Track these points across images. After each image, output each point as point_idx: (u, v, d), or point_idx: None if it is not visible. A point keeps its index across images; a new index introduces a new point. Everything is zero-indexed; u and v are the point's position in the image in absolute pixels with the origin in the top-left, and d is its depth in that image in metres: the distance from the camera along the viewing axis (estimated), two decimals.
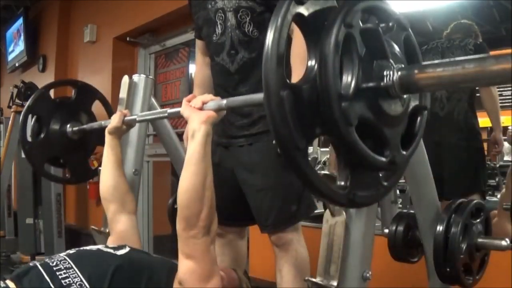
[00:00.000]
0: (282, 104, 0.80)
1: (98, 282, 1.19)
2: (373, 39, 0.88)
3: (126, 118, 1.73)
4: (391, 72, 0.88)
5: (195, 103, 1.29)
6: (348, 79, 0.85)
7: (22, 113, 2.39)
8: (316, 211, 1.87)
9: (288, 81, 0.83)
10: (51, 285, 1.17)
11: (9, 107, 4.65)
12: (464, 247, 1.46)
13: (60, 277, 1.19)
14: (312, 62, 0.87)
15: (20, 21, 5.81)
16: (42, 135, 2.36)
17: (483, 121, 2.92)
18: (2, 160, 4.42)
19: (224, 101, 1.26)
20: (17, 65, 6.18)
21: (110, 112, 2.61)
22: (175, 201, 2.56)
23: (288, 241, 1.76)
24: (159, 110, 1.70)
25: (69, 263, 1.23)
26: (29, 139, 2.37)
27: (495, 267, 1.64)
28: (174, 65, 4.30)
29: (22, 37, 5.84)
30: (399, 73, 0.88)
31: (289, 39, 1.69)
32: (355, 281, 1.25)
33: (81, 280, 1.18)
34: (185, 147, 2.02)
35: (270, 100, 0.80)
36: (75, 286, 1.17)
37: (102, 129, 1.79)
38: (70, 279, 1.18)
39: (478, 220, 1.54)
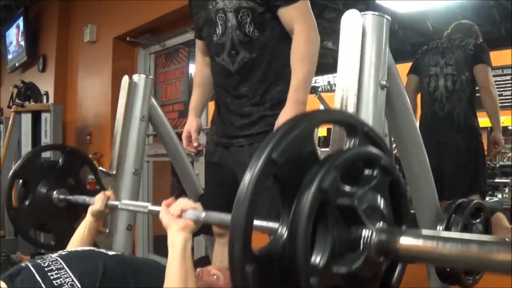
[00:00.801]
0: (246, 281, 0.74)
1: (90, 281, 1.20)
2: (349, 212, 0.80)
3: (109, 202, 1.70)
4: (369, 237, 0.80)
5: (174, 210, 1.28)
6: (320, 253, 0.77)
7: (9, 177, 2.35)
8: None
9: (255, 253, 0.76)
10: (43, 285, 1.17)
11: (9, 107, 4.65)
12: None
13: (51, 277, 1.19)
14: (283, 228, 0.78)
15: (20, 21, 5.80)
16: (28, 201, 2.32)
17: (483, 121, 2.92)
18: (2, 160, 4.42)
19: (203, 214, 1.26)
20: (17, 65, 6.18)
21: (96, 174, 2.57)
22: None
23: None
24: (140, 204, 1.68)
25: (60, 263, 1.24)
26: (15, 203, 2.35)
27: None
28: (174, 65, 4.30)
29: (22, 37, 5.84)
30: (378, 238, 0.79)
31: (289, 41, 1.71)
32: None
33: (73, 280, 1.19)
34: (184, 147, 2.03)
35: (235, 276, 0.74)
36: (66, 286, 1.18)
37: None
38: (61, 279, 1.19)
39: (478, 220, 1.53)
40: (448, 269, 1.46)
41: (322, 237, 0.78)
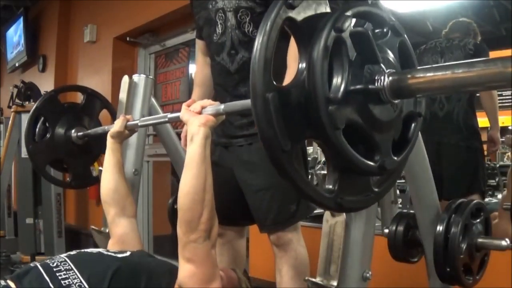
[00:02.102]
0: (267, 106, 0.80)
1: (98, 283, 1.19)
2: (363, 43, 0.87)
3: (128, 123, 1.74)
4: (382, 77, 0.87)
5: (194, 108, 1.30)
6: (337, 83, 0.84)
7: (30, 113, 2.40)
8: (316, 211, 1.87)
9: (275, 83, 0.82)
10: (51, 285, 1.17)
11: (9, 107, 4.65)
12: (464, 247, 1.46)
13: (59, 277, 1.19)
14: (302, 65, 0.85)
15: (20, 21, 5.80)
16: (47, 137, 2.37)
17: (483, 121, 2.92)
18: (2, 160, 4.42)
19: (222, 106, 1.27)
20: (17, 65, 6.18)
21: (114, 116, 2.63)
22: (175, 201, 2.57)
23: (287, 241, 1.76)
24: (160, 115, 1.72)
25: (69, 264, 1.24)
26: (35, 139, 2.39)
27: (495, 267, 1.63)
28: (174, 65, 4.30)
29: (22, 37, 5.84)
30: (390, 77, 0.86)
31: (288, 41, 1.71)
32: (355, 281, 1.25)
33: (81, 281, 1.19)
34: (182, 146, 2.03)
35: (255, 102, 0.80)
36: (74, 287, 1.17)
37: (106, 136, 1.81)
38: (69, 280, 1.19)
39: (478, 220, 1.53)
40: (448, 269, 1.46)
41: (338, 72, 0.85)
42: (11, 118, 4.49)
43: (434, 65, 0.88)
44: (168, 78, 4.35)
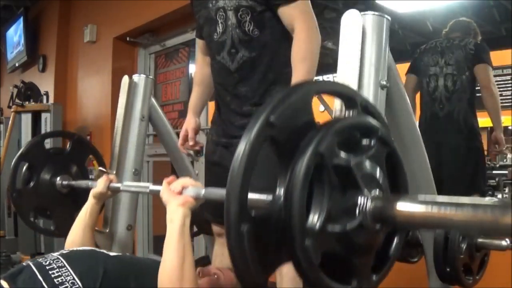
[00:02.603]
0: (241, 240, 0.74)
1: (90, 280, 1.20)
2: (345, 175, 0.80)
3: (111, 184, 1.72)
4: (365, 203, 0.80)
5: (175, 187, 1.30)
6: (316, 213, 0.77)
7: (14, 159, 2.35)
8: None
9: (250, 213, 0.76)
10: (44, 284, 1.18)
11: (9, 107, 4.65)
12: (464, 247, 1.46)
13: (52, 275, 1.19)
14: (280, 191, 0.78)
15: (20, 21, 5.80)
16: (31, 184, 2.32)
17: (483, 121, 2.92)
18: (2, 160, 4.42)
19: (203, 191, 1.26)
20: (17, 65, 6.18)
21: (102, 165, 2.55)
22: None
23: None
24: (142, 184, 1.72)
25: (62, 262, 1.24)
26: (19, 186, 2.33)
27: (495, 267, 1.64)
28: (174, 65, 4.30)
29: (22, 37, 5.84)
30: (374, 204, 0.79)
31: (290, 40, 1.71)
32: None
33: (74, 279, 1.19)
34: (179, 146, 2.03)
35: (229, 234, 0.75)
36: (67, 285, 1.18)
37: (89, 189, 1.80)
38: (62, 277, 1.19)
39: None
40: (448, 269, 1.46)
41: (318, 200, 0.78)
42: (11, 118, 4.49)
43: (423, 197, 0.79)
44: (168, 78, 4.35)
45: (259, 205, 0.80)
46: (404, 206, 0.77)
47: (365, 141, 0.85)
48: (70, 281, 1.18)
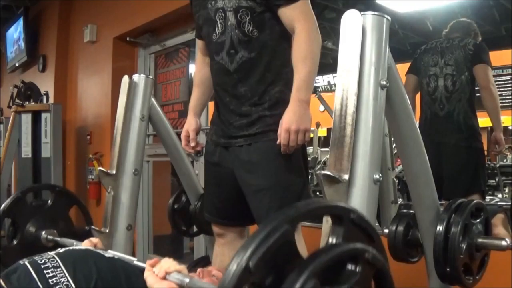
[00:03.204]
0: None
1: (84, 282, 1.20)
2: None
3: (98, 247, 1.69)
4: None
5: (158, 272, 1.27)
6: None
7: None
8: None
9: None
10: (39, 283, 1.18)
11: (9, 107, 4.65)
12: (464, 247, 1.46)
13: (47, 275, 1.19)
14: None
15: (20, 21, 5.80)
16: (16, 240, 2.33)
17: (483, 121, 2.92)
18: (2, 160, 4.42)
19: (187, 280, 1.24)
20: (17, 65, 6.18)
21: (88, 220, 2.62)
22: (175, 201, 2.57)
23: None
24: (126, 257, 1.66)
25: (57, 261, 1.24)
26: (4, 243, 2.34)
27: (495, 267, 1.64)
28: (174, 65, 4.30)
29: (22, 37, 5.84)
30: None
31: (289, 41, 1.71)
32: None
33: (68, 280, 1.19)
34: (182, 147, 2.03)
35: None
36: (61, 286, 1.18)
37: None
38: (57, 278, 1.19)
39: (478, 220, 1.53)
40: (448, 269, 1.46)
41: None
42: (11, 118, 4.49)
43: None
44: (168, 78, 4.35)
45: None
46: None
47: (350, 267, 0.81)
48: (64, 283, 1.19)
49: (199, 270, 1.44)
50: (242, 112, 1.79)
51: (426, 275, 1.62)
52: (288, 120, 1.64)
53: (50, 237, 2.30)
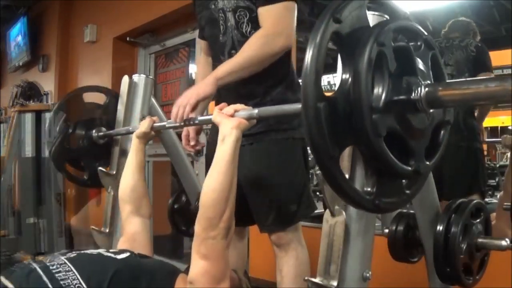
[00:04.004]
0: (318, 116, 0.86)
1: (97, 285, 1.19)
2: (405, 57, 0.96)
3: (155, 124, 1.75)
4: (419, 88, 0.96)
5: (227, 111, 1.34)
6: (379, 93, 0.92)
7: (53, 110, 2.42)
8: (316, 211, 1.88)
9: (324, 94, 0.87)
10: (50, 285, 1.17)
11: (11, 106, 4.65)
12: (464, 247, 1.46)
13: (59, 278, 1.19)
14: (346, 76, 0.92)
15: (22, 21, 5.81)
16: (68, 135, 2.36)
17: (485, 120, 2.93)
18: (4, 160, 4.42)
19: (256, 111, 1.31)
20: (18, 64, 6.19)
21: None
22: (175, 201, 2.57)
23: (288, 241, 1.76)
24: (190, 117, 1.72)
25: (68, 266, 1.23)
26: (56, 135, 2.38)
27: (495, 267, 1.64)
28: (174, 65, 4.31)
29: (23, 37, 5.85)
30: (427, 89, 0.95)
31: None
32: (355, 281, 1.25)
33: (80, 283, 1.19)
34: (183, 146, 2.03)
35: (307, 111, 0.86)
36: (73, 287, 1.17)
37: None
38: (68, 280, 1.19)
39: (478, 220, 1.53)
40: (448, 269, 1.46)
41: (380, 84, 0.93)
42: (12, 118, 4.49)
43: (463, 79, 1.00)
44: (168, 78, 4.35)
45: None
46: (450, 87, 0.98)
47: (413, 43, 1.02)
48: (77, 285, 1.18)
49: None
50: None
51: (426, 275, 1.62)
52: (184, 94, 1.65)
53: (101, 133, 2.32)
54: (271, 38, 1.66)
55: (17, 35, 6.04)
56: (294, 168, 1.76)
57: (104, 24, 4.81)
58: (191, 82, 3.87)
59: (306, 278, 1.32)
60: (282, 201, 1.74)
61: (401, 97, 0.94)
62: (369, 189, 1.01)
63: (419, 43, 1.03)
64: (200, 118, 1.56)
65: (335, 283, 1.24)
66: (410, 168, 1.00)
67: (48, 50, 5.61)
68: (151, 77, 2.27)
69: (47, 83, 5.31)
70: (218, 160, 1.27)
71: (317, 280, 1.27)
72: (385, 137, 0.92)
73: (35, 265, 1.24)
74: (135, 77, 2.21)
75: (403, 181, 1.07)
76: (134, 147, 1.74)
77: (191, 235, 2.81)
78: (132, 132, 1.80)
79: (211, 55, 1.94)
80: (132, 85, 2.17)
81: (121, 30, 4.50)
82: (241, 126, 1.31)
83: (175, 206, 2.56)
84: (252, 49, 1.66)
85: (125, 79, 2.18)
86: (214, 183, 1.25)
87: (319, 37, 0.88)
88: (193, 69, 4.11)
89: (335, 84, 1.39)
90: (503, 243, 1.48)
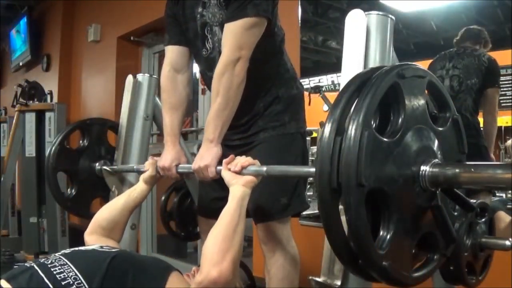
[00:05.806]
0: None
1: (93, 275, 1.20)
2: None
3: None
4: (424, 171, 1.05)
5: (234, 168, 1.40)
6: None
7: (50, 171, 2.27)
8: (315, 211, 1.86)
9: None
10: (46, 280, 1.18)
11: (13, 106, 4.66)
12: (468, 246, 1.46)
13: (54, 272, 1.20)
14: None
15: (24, 20, 5.83)
16: (75, 190, 2.29)
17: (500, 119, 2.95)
18: (6, 159, 4.43)
19: (264, 168, 1.36)
20: (21, 64, 6.20)
21: None
22: (167, 200, 2.57)
23: (276, 240, 1.73)
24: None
25: (64, 260, 1.25)
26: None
27: (495, 267, 1.63)
28: None
29: (26, 37, 5.86)
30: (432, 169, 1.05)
31: (278, 55, 1.67)
32: (358, 280, 1.25)
33: (76, 274, 1.20)
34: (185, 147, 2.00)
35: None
36: (69, 280, 1.19)
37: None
38: (64, 273, 1.20)
39: (482, 220, 1.53)
40: (451, 268, 1.45)
41: None
42: (15, 117, 4.50)
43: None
44: None
45: None
46: (452, 171, 1.05)
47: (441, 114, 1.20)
48: (73, 277, 1.19)
49: (194, 268, 1.43)
50: (238, 124, 1.77)
51: None
52: (195, 160, 1.65)
53: (105, 167, 2.19)
54: (231, 67, 1.58)
55: (19, 34, 6.05)
56: (291, 162, 1.73)
57: (108, 24, 4.82)
58: (194, 82, 3.87)
59: (310, 277, 1.32)
60: (273, 193, 1.71)
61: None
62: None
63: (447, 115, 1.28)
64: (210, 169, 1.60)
65: (338, 282, 1.24)
66: None
67: (51, 50, 5.62)
68: (155, 76, 2.27)
69: (50, 82, 5.32)
70: (224, 214, 1.33)
71: (321, 279, 1.28)
72: None
73: (32, 264, 1.26)
74: (139, 76, 2.21)
75: None
76: (139, 189, 1.74)
77: (195, 235, 2.80)
78: (137, 170, 1.84)
79: (199, 69, 1.89)
80: (136, 85, 2.17)
81: (125, 29, 4.51)
82: (249, 184, 1.38)
83: (166, 208, 2.59)
84: (222, 89, 1.59)
85: (129, 78, 2.18)
86: (216, 231, 1.29)
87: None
88: (196, 68, 4.10)
89: (338, 84, 1.39)
90: (507, 243, 1.47)
